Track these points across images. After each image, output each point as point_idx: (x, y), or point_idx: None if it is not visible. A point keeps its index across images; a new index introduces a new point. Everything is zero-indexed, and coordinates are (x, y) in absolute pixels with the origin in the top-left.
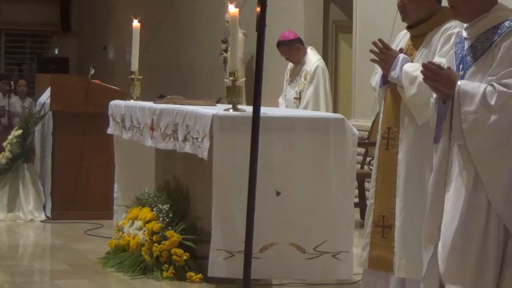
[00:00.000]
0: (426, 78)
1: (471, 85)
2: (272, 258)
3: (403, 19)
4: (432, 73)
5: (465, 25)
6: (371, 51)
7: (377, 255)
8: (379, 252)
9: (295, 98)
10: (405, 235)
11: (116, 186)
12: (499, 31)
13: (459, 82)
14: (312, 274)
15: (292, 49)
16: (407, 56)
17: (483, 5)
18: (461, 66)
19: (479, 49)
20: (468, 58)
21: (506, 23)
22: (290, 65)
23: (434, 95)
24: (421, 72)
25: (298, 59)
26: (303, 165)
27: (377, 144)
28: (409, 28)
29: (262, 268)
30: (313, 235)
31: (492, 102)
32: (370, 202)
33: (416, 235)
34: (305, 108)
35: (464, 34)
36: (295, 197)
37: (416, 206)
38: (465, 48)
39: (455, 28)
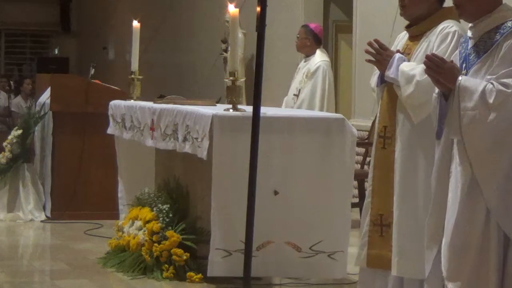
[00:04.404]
0: (428, 69)
1: (472, 81)
2: (268, 256)
3: (402, 14)
4: (435, 65)
5: (469, 24)
6: (367, 51)
7: (376, 254)
8: (378, 251)
9: (294, 94)
10: (401, 234)
11: (120, 186)
12: (502, 31)
13: (460, 77)
14: (307, 273)
15: (304, 36)
16: (403, 56)
17: (488, 5)
18: (464, 65)
19: (482, 48)
20: (471, 57)
21: (509, 23)
22: (300, 63)
23: (436, 90)
24: (424, 63)
25: (302, 48)
26: (302, 165)
27: (374, 143)
28: (407, 28)
29: (258, 266)
30: (309, 234)
31: (491, 100)
32: (367, 200)
33: (412, 233)
34: (300, 106)
35: (469, 33)
36: (293, 197)
37: (411, 204)
38: (469, 47)
39: (452, 27)
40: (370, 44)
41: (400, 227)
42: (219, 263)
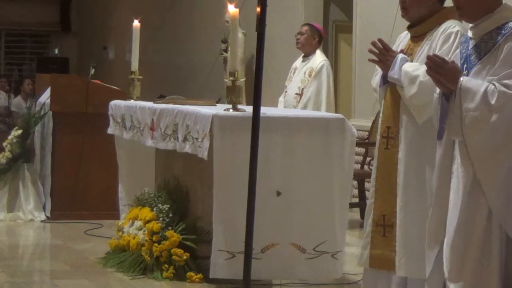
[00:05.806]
0: (429, 70)
1: (473, 82)
2: (273, 259)
3: (403, 16)
4: (436, 65)
5: (470, 25)
6: (370, 51)
7: (378, 254)
8: (381, 251)
9: (296, 93)
10: (405, 234)
11: (120, 186)
12: (503, 31)
13: (461, 78)
14: (312, 274)
15: (310, 34)
16: (406, 56)
17: (488, 5)
18: (465, 65)
19: (483, 49)
20: (472, 57)
21: (510, 24)
22: (294, 64)
23: (438, 90)
24: (425, 63)
25: (305, 47)
26: (303, 165)
27: (377, 143)
28: (409, 28)
29: (263, 269)
30: (313, 235)
31: (493, 102)
32: (370, 201)
33: (416, 234)
34: (306, 104)
35: (469, 34)
36: (295, 197)
37: (415, 205)
38: (470, 48)
39: (455, 27)
40: (374, 43)
41: (405, 228)
42: (222, 265)
